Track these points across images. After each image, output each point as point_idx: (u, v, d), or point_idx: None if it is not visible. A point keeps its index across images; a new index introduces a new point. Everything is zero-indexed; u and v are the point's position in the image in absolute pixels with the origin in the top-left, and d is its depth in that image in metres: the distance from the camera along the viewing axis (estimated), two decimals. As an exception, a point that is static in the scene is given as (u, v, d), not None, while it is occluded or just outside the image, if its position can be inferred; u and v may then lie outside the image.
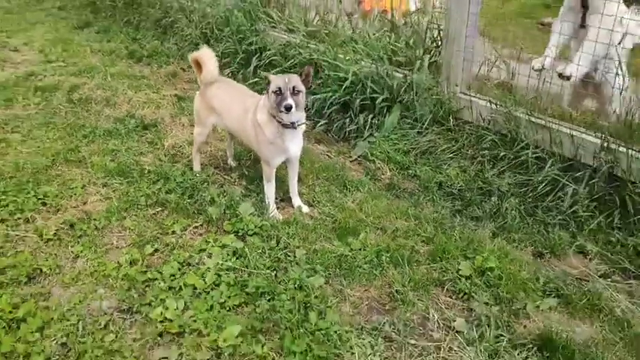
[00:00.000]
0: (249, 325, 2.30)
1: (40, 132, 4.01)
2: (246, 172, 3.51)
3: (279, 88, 2.75)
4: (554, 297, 2.55)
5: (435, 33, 3.90)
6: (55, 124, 4.13)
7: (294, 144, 2.96)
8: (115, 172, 3.45)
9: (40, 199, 3.16)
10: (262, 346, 2.20)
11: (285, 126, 2.86)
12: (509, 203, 3.11)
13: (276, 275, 2.59)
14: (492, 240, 2.90)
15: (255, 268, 2.60)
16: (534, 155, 3.21)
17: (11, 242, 2.83)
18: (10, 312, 2.33)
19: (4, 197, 3.14)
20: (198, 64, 3.23)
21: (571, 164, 3.12)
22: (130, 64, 5.53)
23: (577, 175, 3.05)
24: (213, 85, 3.24)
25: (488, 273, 2.60)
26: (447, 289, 2.59)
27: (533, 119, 3.25)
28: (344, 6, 5.14)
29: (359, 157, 3.77)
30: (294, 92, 2.74)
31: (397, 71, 3.90)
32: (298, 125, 2.87)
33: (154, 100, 4.61)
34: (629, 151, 2.90)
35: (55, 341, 2.23)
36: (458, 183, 3.32)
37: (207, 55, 3.20)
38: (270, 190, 3.07)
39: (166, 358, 2.17)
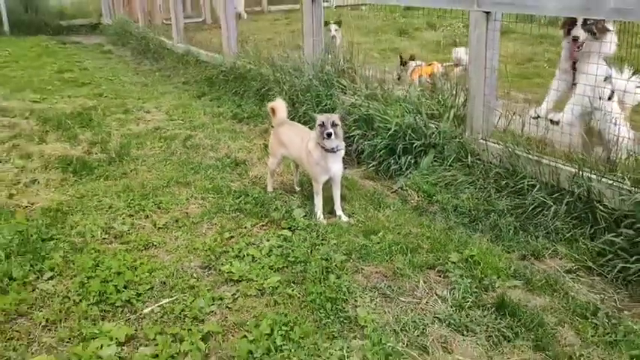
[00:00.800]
0: (287, 278, 3.29)
1: (160, 165, 5.35)
2: (305, 194, 4.58)
3: (323, 122, 3.85)
4: (519, 280, 3.32)
5: (462, 93, 4.87)
6: (171, 161, 5.47)
7: (335, 165, 4.01)
8: (210, 190, 4.65)
9: (156, 204, 4.40)
10: (292, 290, 3.18)
11: (327, 151, 3.93)
12: (505, 220, 3.92)
13: (311, 252, 3.58)
14: (486, 243, 3.72)
15: (296, 247, 3.61)
16: (529, 183, 4.02)
17: (135, 228, 4.05)
18: (131, 262, 3.49)
19: (132, 202, 4.42)
20: (274, 111, 4.44)
21: (556, 189, 3.89)
22: (233, 123, 6.89)
23: (559, 197, 3.82)
24: (282, 125, 4.42)
25: (469, 259, 3.43)
26: (437, 270, 3.44)
27: (529, 156, 4.08)
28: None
29: (398, 188, 4.72)
30: (334, 125, 3.82)
31: (431, 122, 4.88)
32: (337, 150, 3.94)
33: (247, 147, 5.87)
34: (598, 177, 3.66)
35: (157, 279, 3.35)
36: (468, 205, 4.17)
37: (279, 104, 4.41)
38: (318, 201, 4.10)
39: (228, 291, 3.21)
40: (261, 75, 7.58)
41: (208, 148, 5.89)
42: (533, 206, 3.91)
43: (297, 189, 4.71)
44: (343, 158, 4.15)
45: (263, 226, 4.05)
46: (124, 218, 4.18)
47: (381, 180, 5.00)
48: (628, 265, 3.29)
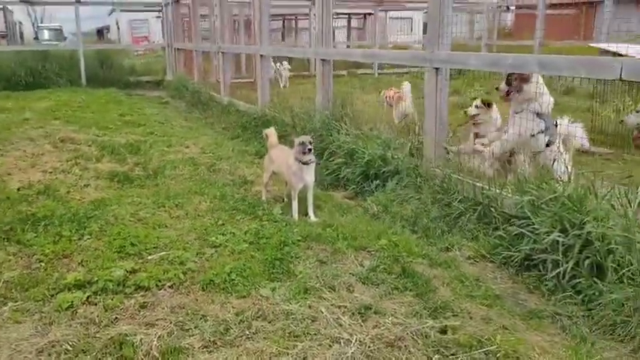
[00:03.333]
0: (253, 247, 4.51)
1: (185, 181, 6.73)
2: (288, 202, 5.82)
3: (303, 142, 5.15)
4: (425, 259, 4.40)
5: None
6: (195, 179, 6.84)
7: (309, 176, 5.27)
8: (218, 197, 5.96)
9: (175, 203, 5.69)
10: (255, 253, 4.39)
11: (303, 163, 5.20)
12: (436, 223, 5.03)
13: (276, 233, 4.79)
14: (415, 239, 4.83)
15: (267, 230, 4.84)
16: (456, 197, 5.13)
17: (155, 215, 5.37)
18: (146, 233, 4.80)
19: (157, 201, 5.77)
20: (267, 136, 5.79)
21: (474, 201, 4.99)
22: (254, 158, 8.26)
23: (474, 206, 4.92)
24: (273, 148, 5.75)
25: (393, 243, 4.54)
26: (367, 250, 4.56)
27: (459, 177, 5.22)
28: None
29: (365, 204, 5.90)
30: (310, 143, 5.12)
31: (396, 154, 6.10)
32: (311, 163, 5.21)
33: (258, 173, 7.17)
34: (497, 191, 4.77)
35: (162, 242, 4.62)
36: (411, 213, 5.29)
37: (271, 132, 5.76)
38: (294, 204, 5.34)
39: (209, 251, 4.45)
40: (283, 121, 9.02)
41: (227, 172, 7.26)
42: (456, 214, 5.02)
43: (286, 199, 5.97)
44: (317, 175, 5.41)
45: (250, 219, 5.30)
46: (147, 210, 5.51)
47: (357, 199, 6.20)
48: (510, 253, 4.33)
